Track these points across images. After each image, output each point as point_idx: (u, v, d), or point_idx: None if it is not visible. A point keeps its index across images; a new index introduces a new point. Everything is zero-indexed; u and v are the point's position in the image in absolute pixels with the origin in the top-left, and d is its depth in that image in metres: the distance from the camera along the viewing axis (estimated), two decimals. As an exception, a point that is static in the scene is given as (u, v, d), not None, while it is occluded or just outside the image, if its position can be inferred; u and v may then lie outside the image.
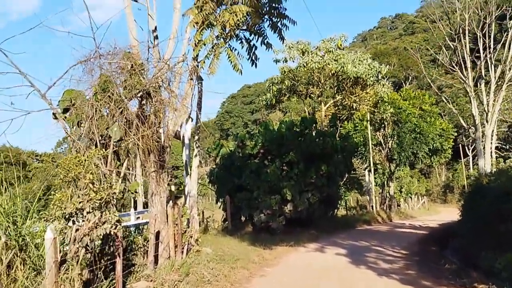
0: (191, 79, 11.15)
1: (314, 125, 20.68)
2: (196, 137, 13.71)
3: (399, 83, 72.79)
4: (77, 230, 6.19)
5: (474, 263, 10.68)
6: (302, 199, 18.60)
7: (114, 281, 7.12)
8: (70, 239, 6.23)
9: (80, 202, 6.27)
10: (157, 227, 10.01)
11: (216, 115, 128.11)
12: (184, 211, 11.69)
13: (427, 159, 35.53)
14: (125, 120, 8.82)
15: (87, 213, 6.26)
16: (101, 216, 6.29)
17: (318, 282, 9.33)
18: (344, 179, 24.31)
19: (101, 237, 6.51)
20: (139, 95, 8.99)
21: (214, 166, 21.50)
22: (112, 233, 6.72)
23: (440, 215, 38.37)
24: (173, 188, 16.80)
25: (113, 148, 8.36)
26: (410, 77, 78.76)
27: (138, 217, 18.49)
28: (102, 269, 7.47)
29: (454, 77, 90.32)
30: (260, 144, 19.09)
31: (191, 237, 12.09)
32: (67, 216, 6.21)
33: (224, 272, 9.93)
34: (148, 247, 9.62)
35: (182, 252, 11.22)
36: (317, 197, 19.02)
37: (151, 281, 7.97)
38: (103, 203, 6.56)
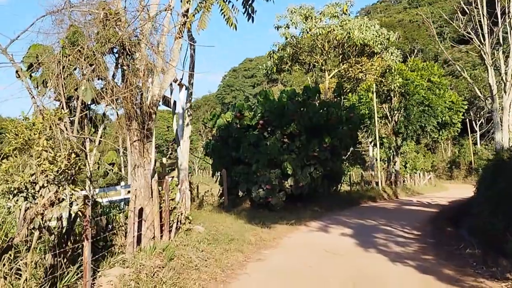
0: (180, 36, 9.88)
1: (317, 95, 19.43)
2: (188, 104, 12.49)
3: (404, 56, 71.12)
4: (27, 209, 5.05)
5: (497, 246, 9.66)
6: (304, 174, 17.52)
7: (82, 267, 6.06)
8: (18, 219, 5.11)
9: (32, 175, 5.13)
10: (140, 204, 8.92)
11: (217, 88, 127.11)
12: (173, 185, 10.57)
13: (435, 133, 34.28)
14: (99, 79, 7.63)
15: (40, 187, 5.12)
16: (58, 191, 5.14)
17: (322, 270, 8.26)
18: (348, 153, 23.13)
19: (60, 216, 5.38)
20: (114, 50, 7.76)
21: (210, 138, 20.36)
22: (77, 212, 5.63)
23: (447, 192, 37.47)
24: (164, 160, 15.75)
25: (82, 112, 7.16)
26: (416, 50, 77.24)
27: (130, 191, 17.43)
28: (69, 253, 6.41)
29: (461, 51, 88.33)
30: (259, 115, 17.90)
31: (181, 214, 11.04)
32: (15, 191, 5.07)
33: (216, 255, 8.86)
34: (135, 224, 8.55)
35: (170, 231, 10.15)
36: (320, 172, 17.92)
37: (127, 267, 6.88)
38: (64, 175, 5.41)
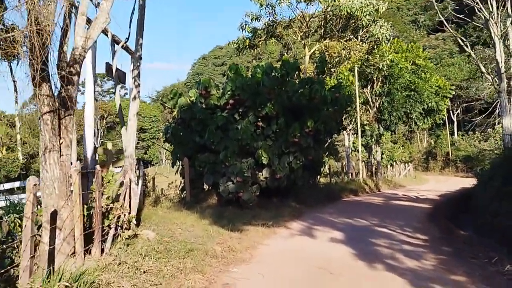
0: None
1: (297, 72, 16.82)
2: (136, 72, 9.71)
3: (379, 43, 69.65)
4: None
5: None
6: (281, 164, 15.01)
7: None
8: None
9: None
10: (53, 204, 6.23)
11: (186, 76, 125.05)
12: (108, 177, 7.85)
13: (420, 121, 32.21)
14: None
15: None
16: None
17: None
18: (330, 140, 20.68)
19: None
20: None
21: (170, 121, 17.55)
22: None
23: (430, 184, 35.90)
24: (110, 146, 12.93)
25: None
26: (391, 37, 75.73)
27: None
28: None
29: (438, 38, 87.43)
30: (229, 93, 15.23)
31: (123, 215, 8.40)
32: None
33: (164, 279, 6.25)
34: (46, 235, 5.87)
35: (104, 241, 7.49)
36: (301, 161, 15.44)
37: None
38: None
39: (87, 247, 6.78)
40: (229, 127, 14.92)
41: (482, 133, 51.44)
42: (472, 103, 63.08)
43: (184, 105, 15.89)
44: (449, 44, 79.19)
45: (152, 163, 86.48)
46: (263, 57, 63.96)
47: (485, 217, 11.83)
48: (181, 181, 16.20)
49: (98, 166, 7.36)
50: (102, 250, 7.27)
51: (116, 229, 8.01)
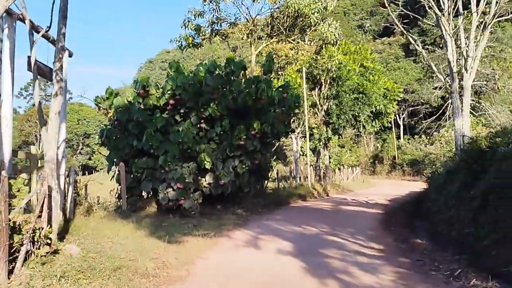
0: None
1: (243, 72, 16.06)
2: (58, 64, 8.63)
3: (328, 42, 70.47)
4: None
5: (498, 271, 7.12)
6: (226, 168, 14.24)
7: None
8: None
9: None
10: None
11: (132, 81, 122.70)
12: (17, 186, 6.77)
13: (368, 124, 32.24)
14: None
15: None
16: None
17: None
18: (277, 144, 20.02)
19: None
20: None
21: (107, 123, 16.39)
22: None
23: (377, 188, 36.02)
24: (33, 149, 11.68)
25: None
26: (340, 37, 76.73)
27: None
28: None
29: (384, 43, 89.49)
30: (169, 93, 14.31)
31: (40, 229, 7.32)
32: None
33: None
34: None
35: (14, 261, 6.41)
36: (247, 166, 14.70)
37: None
38: None
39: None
40: (170, 129, 14.00)
41: (428, 137, 52.63)
42: (418, 107, 64.71)
43: (121, 105, 14.79)
44: (395, 49, 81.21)
45: (97, 169, 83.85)
46: (210, 60, 63.19)
47: (441, 224, 11.46)
48: (117, 188, 15.08)
49: (3, 172, 6.28)
50: (11, 271, 6.22)
51: (31, 246, 6.94)
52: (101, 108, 15.84)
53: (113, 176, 15.27)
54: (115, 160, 15.10)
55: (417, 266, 8.02)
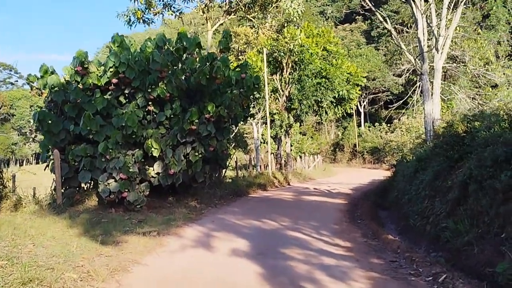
0: None
1: (198, 49, 14.51)
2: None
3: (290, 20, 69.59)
4: None
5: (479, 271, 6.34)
6: (177, 156, 12.77)
7: None
8: None
9: None
10: None
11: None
12: None
13: (331, 110, 31.26)
14: None
15: None
16: None
17: None
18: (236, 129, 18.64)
19: None
20: None
21: (41, 106, 14.57)
22: None
23: (340, 177, 35.29)
24: None
25: None
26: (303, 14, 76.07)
27: None
28: None
29: (346, 29, 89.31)
30: (111, 70, 12.68)
31: None
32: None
33: None
34: None
35: None
36: (200, 153, 13.28)
37: None
38: None
39: None
40: (112, 112, 12.42)
41: (389, 125, 52.41)
42: (379, 94, 64.56)
43: (56, 85, 13.02)
44: (357, 35, 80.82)
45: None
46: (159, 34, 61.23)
47: (413, 217, 10.45)
48: (52, 180, 13.38)
49: None
50: None
51: None
52: (34, 88, 14.00)
53: (47, 165, 13.56)
54: (50, 147, 13.38)
55: (392, 269, 6.86)
